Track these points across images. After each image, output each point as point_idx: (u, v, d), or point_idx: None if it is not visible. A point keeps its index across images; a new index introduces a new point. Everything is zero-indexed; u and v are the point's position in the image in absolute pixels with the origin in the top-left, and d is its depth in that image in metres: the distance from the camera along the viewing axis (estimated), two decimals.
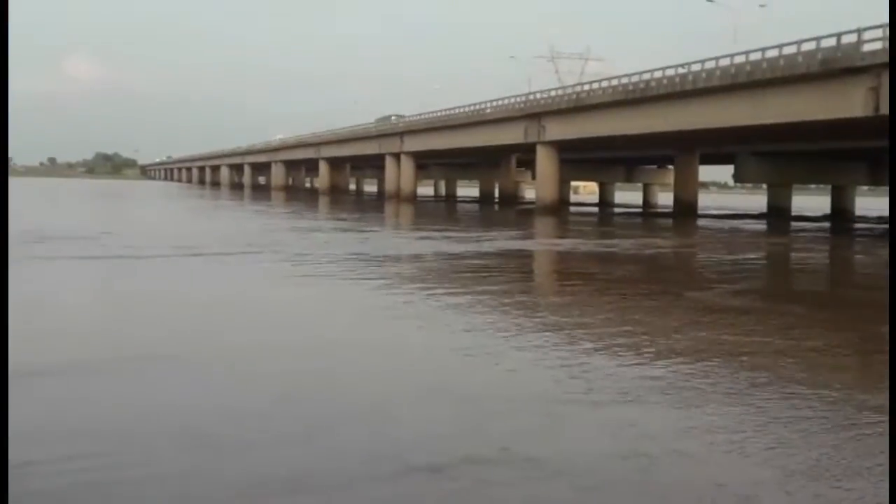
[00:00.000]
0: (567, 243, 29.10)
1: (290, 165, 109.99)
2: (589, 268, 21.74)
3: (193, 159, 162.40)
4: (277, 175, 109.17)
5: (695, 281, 19.37)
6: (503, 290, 15.69)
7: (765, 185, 60.87)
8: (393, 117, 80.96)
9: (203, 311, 12.73)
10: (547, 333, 10.86)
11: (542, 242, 30.10)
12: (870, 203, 70.68)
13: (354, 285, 16.03)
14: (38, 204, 55.41)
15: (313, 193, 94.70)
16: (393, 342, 10.27)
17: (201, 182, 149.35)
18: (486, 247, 25.12)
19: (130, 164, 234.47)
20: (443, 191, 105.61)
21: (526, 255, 24.84)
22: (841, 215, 55.12)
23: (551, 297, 15.76)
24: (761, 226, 45.64)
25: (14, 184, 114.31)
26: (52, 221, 32.96)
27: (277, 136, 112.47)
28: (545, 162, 53.15)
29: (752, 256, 26.36)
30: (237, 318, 12.14)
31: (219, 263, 19.20)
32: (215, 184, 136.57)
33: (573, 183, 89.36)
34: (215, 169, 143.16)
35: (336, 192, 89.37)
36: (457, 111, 63.03)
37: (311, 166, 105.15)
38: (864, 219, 52.50)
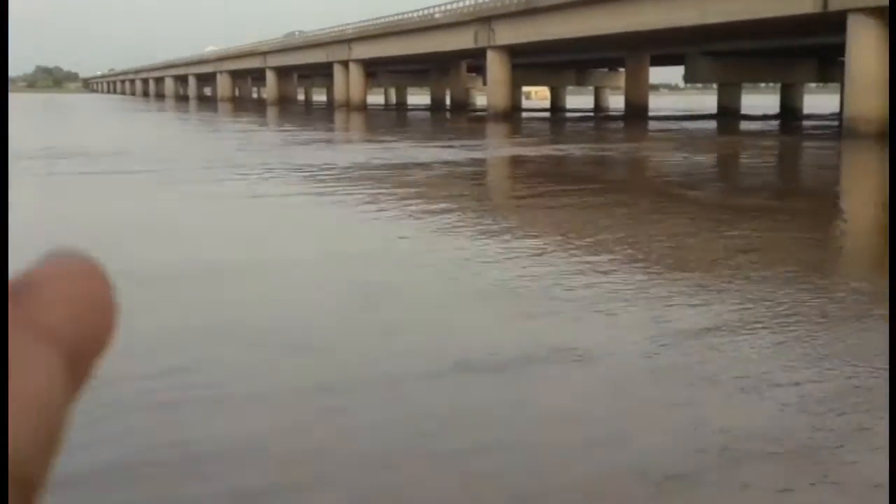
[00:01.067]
0: (522, 150, 29.02)
1: (237, 76, 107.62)
2: (540, 171, 21.75)
3: (137, 71, 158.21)
4: (223, 86, 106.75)
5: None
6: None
7: (715, 85, 60.92)
8: (296, 33, 79.69)
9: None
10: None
11: (494, 152, 29.99)
12: (819, 101, 71.27)
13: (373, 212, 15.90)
14: None
15: (261, 104, 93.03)
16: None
17: (145, 94, 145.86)
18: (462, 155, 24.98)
19: (73, 77, 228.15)
20: (393, 99, 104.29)
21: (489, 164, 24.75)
22: (791, 113, 55.54)
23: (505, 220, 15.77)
24: (711, 125, 45.89)
25: None
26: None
27: (210, 46, 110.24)
28: (496, 67, 52.58)
29: (701, 159, 26.52)
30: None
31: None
32: (160, 96, 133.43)
33: (524, 88, 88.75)
34: (159, 80, 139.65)
35: (284, 103, 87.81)
36: (406, 16, 61.86)
37: (257, 76, 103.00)
38: (813, 116, 53.00)
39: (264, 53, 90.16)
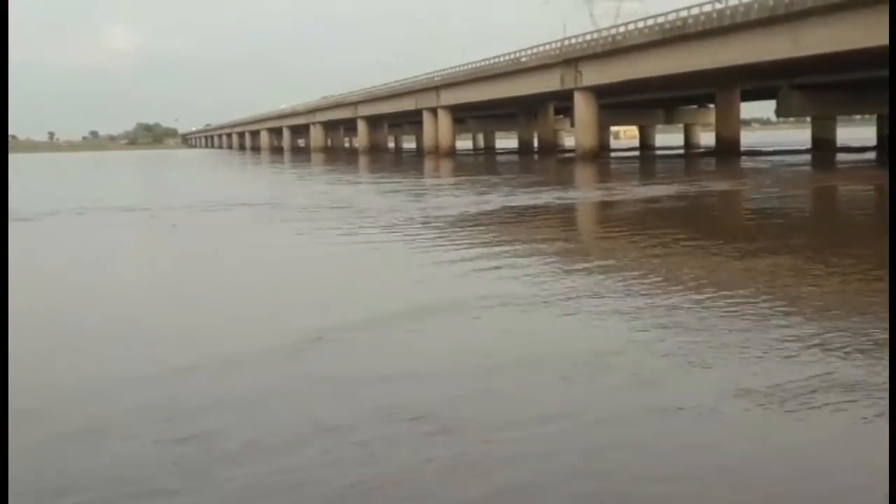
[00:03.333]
0: (613, 194, 28.88)
1: (329, 126, 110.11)
2: (632, 218, 21.60)
3: (233, 125, 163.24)
4: (316, 137, 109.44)
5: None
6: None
7: (808, 119, 59.60)
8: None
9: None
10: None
11: (585, 194, 29.87)
12: None
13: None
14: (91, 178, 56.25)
15: (352, 153, 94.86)
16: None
17: (241, 147, 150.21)
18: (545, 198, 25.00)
19: (171, 133, 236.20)
20: (481, 143, 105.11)
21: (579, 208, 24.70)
22: (887, 145, 53.89)
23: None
24: (806, 160, 44.89)
25: (61, 158, 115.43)
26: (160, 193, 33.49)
27: (316, 97, 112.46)
28: (583, 108, 52.66)
29: (800, 193, 25.93)
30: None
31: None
32: (255, 148, 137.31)
33: (613, 128, 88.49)
34: (255, 134, 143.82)
35: (375, 151, 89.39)
36: (492, 62, 62.47)
37: (349, 126, 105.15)
38: None
39: (355, 103, 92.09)
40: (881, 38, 31.10)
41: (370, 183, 37.70)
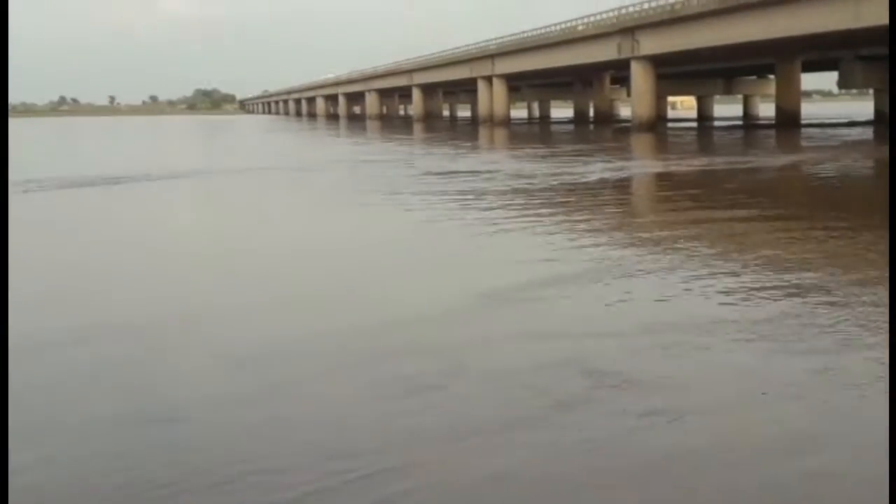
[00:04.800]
0: (665, 165, 28.73)
1: (384, 94, 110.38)
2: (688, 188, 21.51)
3: (289, 92, 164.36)
4: (372, 104, 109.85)
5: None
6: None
7: (871, 91, 58.34)
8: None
9: None
10: None
11: (643, 165, 29.71)
12: None
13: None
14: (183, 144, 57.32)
15: (407, 121, 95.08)
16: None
17: (298, 114, 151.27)
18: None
19: (230, 99, 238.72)
20: (536, 113, 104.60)
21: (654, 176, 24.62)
22: None
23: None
24: (869, 133, 44.00)
25: (123, 122, 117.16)
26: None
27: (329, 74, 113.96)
28: (640, 78, 52.07)
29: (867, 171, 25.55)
30: None
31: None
32: (311, 115, 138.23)
33: (670, 98, 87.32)
34: (311, 100, 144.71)
35: (430, 119, 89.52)
36: (548, 30, 61.96)
37: (404, 94, 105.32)
38: None
39: (410, 71, 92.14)
40: None
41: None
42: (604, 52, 54.28)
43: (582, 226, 13.37)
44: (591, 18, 56.15)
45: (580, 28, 57.27)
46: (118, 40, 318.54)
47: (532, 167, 25.15)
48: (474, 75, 74.75)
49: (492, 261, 10.72)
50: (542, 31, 62.74)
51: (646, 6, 50.99)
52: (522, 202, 16.74)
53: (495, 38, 71.80)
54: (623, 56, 52.36)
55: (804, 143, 37.07)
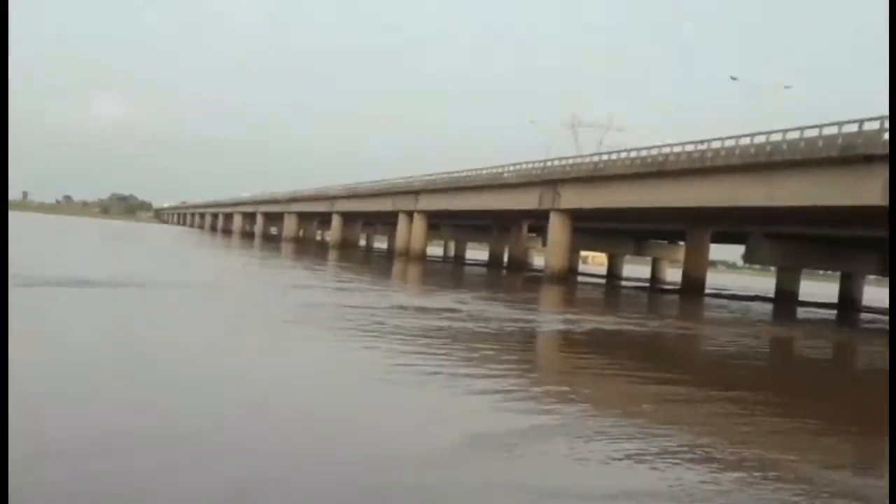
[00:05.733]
0: (572, 317, 28.81)
1: (303, 217, 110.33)
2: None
3: (208, 205, 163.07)
4: (290, 226, 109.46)
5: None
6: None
7: (773, 268, 60.54)
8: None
9: None
10: None
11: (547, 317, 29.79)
12: (879, 294, 70.34)
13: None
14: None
15: (323, 246, 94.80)
16: None
17: (213, 228, 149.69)
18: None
19: (145, 206, 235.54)
20: (452, 252, 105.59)
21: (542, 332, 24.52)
22: (850, 304, 54.79)
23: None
24: (768, 309, 45.32)
25: (27, 219, 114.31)
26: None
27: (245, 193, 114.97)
28: (557, 229, 53.09)
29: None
30: None
31: None
32: (227, 231, 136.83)
33: (582, 252, 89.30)
34: (228, 216, 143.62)
35: (346, 247, 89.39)
36: (475, 173, 63.17)
37: (323, 219, 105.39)
38: (872, 309, 52.31)
39: (333, 198, 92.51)
40: (854, 199, 31.96)
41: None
42: (526, 201, 55.43)
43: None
44: (518, 167, 57.59)
45: (505, 176, 58.61)
46: (34, 136, 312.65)
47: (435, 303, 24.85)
48: (397, 209, 75.36)
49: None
50: (469, 173, 64.01)
51: (570, 161, 52.64)
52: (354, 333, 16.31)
53: (421, 175, 72.94)
54: (543, 207, 53.50)
55: (707, 313, 37.85)
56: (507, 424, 8.98)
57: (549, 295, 40.66)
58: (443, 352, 14.64)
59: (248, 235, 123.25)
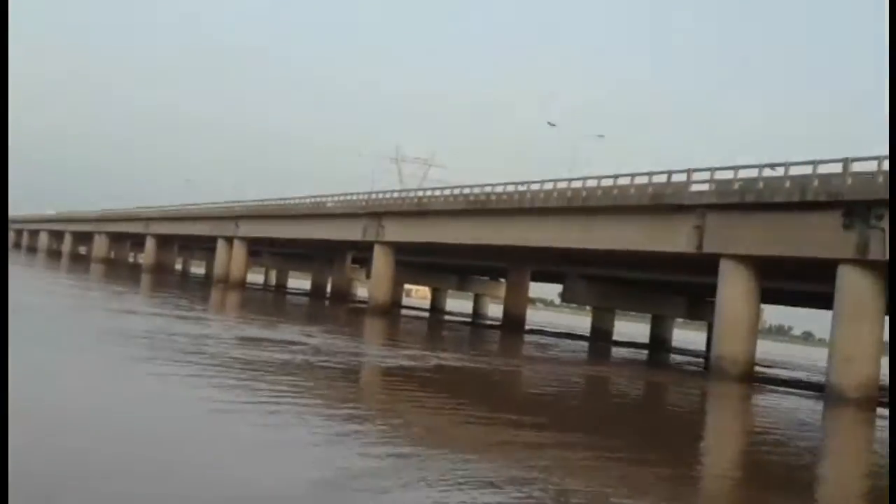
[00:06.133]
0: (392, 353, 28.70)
1: (115, 238, 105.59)
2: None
3: (12, 220, 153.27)
4: (100, 247, 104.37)
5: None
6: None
7: (589, 308, 62.71)
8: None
9: None
10: None
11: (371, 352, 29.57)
12: (685, 335, 74.46)
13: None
14: None
15: (136, 269, 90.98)
16: None
17: (17, 246, 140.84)
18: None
19: None
20: (273, 280, 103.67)
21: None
22: (660, 344, 57.44)
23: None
24: (583, 346, 46.86)
25: None
26: None
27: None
28: (381, 261, 53.03)
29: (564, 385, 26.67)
30: None
31: None
32: (31, 249, 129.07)
33: (406, 286, 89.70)
34: (34, 234, 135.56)
35: (161, 271, 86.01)
36: (298, 201, 62.53)
37: (137, 241, 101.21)
38: (680, 350, 55.24)
39: (148, 219, 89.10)
40: (664, 245, 33.59)
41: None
42: (350, 231, 55.15)
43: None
44: (342, 198, 57.36)
45: (329, 205, 58.25)
46: None
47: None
48: (216, 234, 73.34)
49: None
50: (293, 201, 63.27)
51: (395, 195, 52.94)
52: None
53: (243, 201, 71.45)
54: (368, 238, 53.37)
55: (526, 350, 38.71)
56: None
57: (373, 327, 40.46)
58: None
59: (54, 254, 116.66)
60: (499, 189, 43.41)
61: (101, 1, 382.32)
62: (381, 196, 54.28)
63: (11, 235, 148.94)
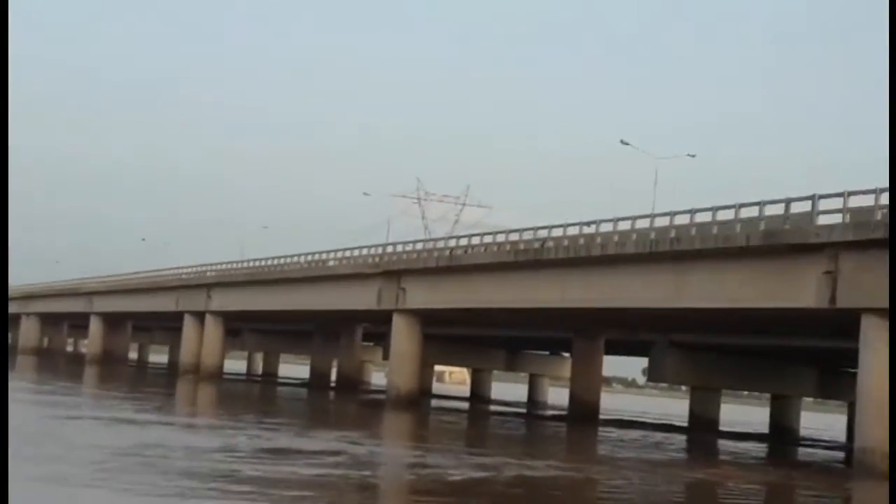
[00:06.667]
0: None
1: (48, 320, 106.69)
2: None
3: None
4: (29, 333, 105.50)
5: None
6: None
7: (684, 388, 62.09)
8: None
9: None
10: None
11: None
12: (816, 419, 73.38)
13: None
14: None
15: (78, 360, 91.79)
16: None
17: None
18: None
19: None
20: (259, 367, 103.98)
21: None
22: (783, 434, 56.38)
23: None
24: (679, 441, 46.37)
25: None
26: None
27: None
28: (403, 336, 52.94)
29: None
30: None
31: None
32: None
33: (437, 368, 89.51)
34: None
35: (111, 361, 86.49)
36: (290, 261, 62.52)
37: (77, 322, 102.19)
38: (811, 441, 54.43)
39: (90, 294, 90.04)
40: (783, 299, 33.13)
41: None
42: (360, 298, 55.18)
43: None
44: (349, 253, 57.34)
45: (332, 264, 58.34)
46: None
47: None
48: (182, 308, 73.91)
49: None
50: (283, 260, 63.33)
51: (419, 247, 53.00)
52: None
53: (217, 264, 72.01)
54: (384, 306, 53.37)
55: (603, 451, 38.26)
56: None
57: (394, 426, 40.38)
58: None
59: None
60: (557, 232, 43.16)
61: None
62: (399, 249, 54.35)
63: None
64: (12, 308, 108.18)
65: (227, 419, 35.30)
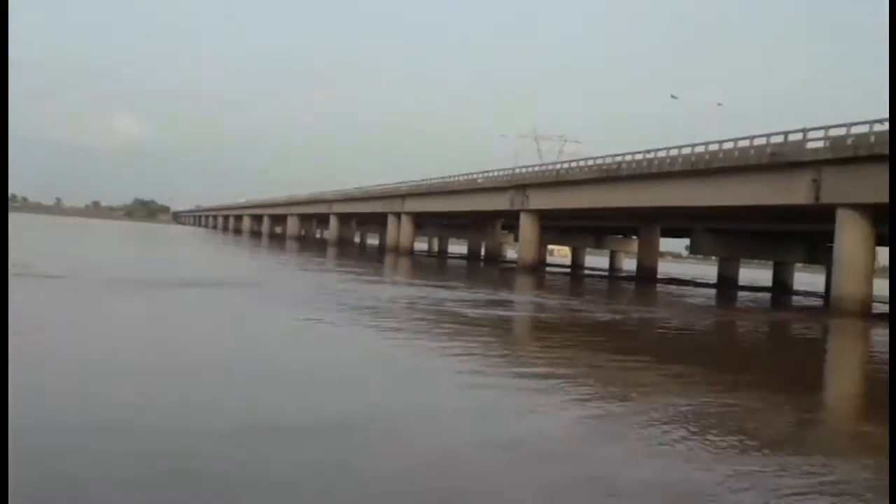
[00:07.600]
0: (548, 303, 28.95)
1: (304, 218, 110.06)
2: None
3: (219, 209, 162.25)
4: (292, 226, 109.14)
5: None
6: None
7: (715, 258, 60.84)
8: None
9: None
10: None
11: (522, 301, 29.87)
12: (805, 278, 71.25)
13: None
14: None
15: (323, 243, 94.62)
16: None
17: (225, 229, 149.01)
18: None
19: (164, 210, 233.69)
20: (435, 247, 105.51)
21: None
22: (782, 288, 55.33)
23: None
24: (712, 293, 45.65)
25: (68, 223, 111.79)
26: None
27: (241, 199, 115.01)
28: (527, 227, 53.24)
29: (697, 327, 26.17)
30: None
31: None
32: (237, 231, 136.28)
33: (549, 246, 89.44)
34: (238, 218, 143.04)
35: (343, 244, 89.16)
36: (452, 179, 63.28)
37: (322, 219, 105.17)
38: (800, 293, 52.99)
39: (331, 201, 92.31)
40: (783, 198, 32.35)
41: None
42: (498, 202, 55.55)
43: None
44: (490, 174, 57.77)
45: (480, 181, 58.77)
46: (68, 152, 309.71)
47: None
48: (386, 210, 75.33)
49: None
50: (448, 179, 64.08)
51: (536, 169, 52.86)
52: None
53: (408, 181, 72.91)
54: (514, 208, 53.63)
55: (660, 298, 38.04)
56: None
57: (524, 282, 40.68)
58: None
59: (255, 234, 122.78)
60: (629, 158, 42.64)
61: None
62: (524, 171, 54.30)
63: (220, 221, 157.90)
64: (281, 211, 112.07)
65: (430, 280, 35.39)
